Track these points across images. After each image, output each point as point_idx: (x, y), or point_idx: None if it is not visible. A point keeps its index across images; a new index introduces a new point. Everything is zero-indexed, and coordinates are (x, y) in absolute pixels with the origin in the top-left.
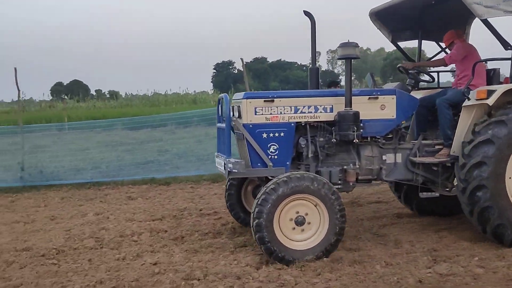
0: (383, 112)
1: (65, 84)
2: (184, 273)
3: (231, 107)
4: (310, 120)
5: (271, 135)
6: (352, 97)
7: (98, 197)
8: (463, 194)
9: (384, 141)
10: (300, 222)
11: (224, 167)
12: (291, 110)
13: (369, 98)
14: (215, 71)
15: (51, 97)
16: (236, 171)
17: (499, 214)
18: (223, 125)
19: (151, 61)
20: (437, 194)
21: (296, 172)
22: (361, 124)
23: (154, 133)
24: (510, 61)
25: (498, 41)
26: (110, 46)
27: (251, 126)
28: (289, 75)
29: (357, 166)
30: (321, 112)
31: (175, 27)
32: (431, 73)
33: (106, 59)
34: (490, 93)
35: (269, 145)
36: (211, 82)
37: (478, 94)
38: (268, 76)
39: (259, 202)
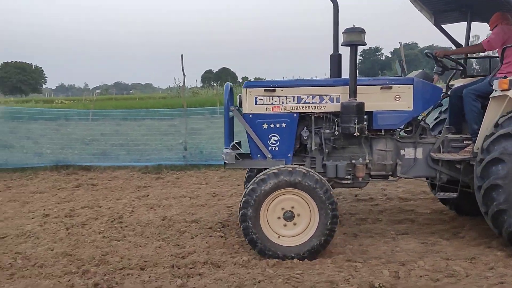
0: (398, 103)
1: (214, 71)
2: (345, 255)
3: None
4: (314, 111)
5: (272, 126)
6: (363, 86)
7: None
8: (478, 192)
9: (404, 134)
10: (288, 217)
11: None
12: (293, 100)
13: (382, 87)
14: (361, 58)
15: (201, 84)
16: (227, 161)
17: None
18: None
19: (297, 49)
20: (454, 195)
21: (288, 166)
22: (373, 116)
23: None
24: None
25: None
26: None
27: (250, 116)
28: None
29: (367, 161)
30: (326, 102)
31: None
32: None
33: (253, 49)
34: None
35: (269, 136)
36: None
37: (500, 84)
38: (419, 63)
39: (247, 192)
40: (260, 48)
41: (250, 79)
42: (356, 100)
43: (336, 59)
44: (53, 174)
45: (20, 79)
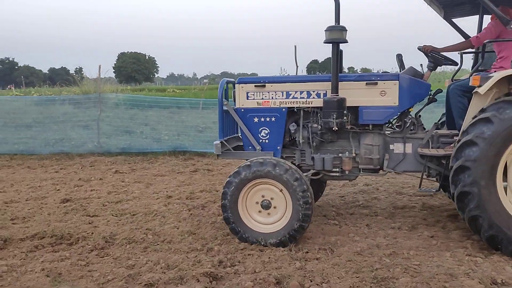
0: (383, 98)
1: (320, 61)
2: (465, 250)
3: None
4: (302, 105)
5: (262, 119)
6: (349, 82)
7: None
8: (449, 173)
9: (393, 129)
10: (265, 206)
11: None
12: (282, 95)
13: (367, 83)
14: None
15: (306, 74)
16: (214, 152)
17: (478, 204)
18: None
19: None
20: (434, 191)
21: (261, 157)
22: (359, 111)
23: None
24: None
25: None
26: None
27: (242, 110)
28: None
29: (354, 155)
30: (313, 97)
31: None
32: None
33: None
34: (484, 80)
35: (260, 129)
36: None
37: (472, 81)
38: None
39: (225, 184)
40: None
41: (356, 70)
42: (337, 95)
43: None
44: (171, 158)
45: (134, 68)
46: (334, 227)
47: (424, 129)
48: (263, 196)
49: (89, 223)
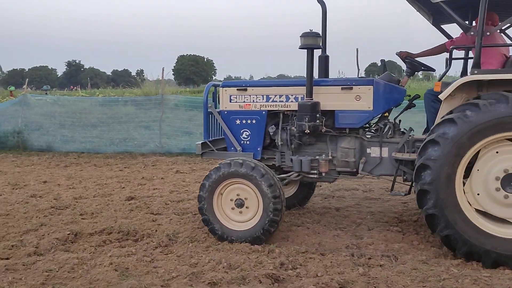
0: (358, 103)
1: (378, 65)
2: None
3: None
4: (281, 109)
5: (244, 121)
6: (325, 87)
7: None
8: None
9: (372, 133)
10: (239, 204)
11: None
12: (263, 99)
13: (343, 88)
14: None
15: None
16: (196, 152)
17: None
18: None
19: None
20: (403, 194)
21: (230, 159)
22: (335, 115)
23: None
24: None
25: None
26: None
27: (226, 112)
28: None
29: (331, 157)
30: (292, 101)
31: None
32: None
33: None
34: (444, 86)
35: (242, 131)
36: None
37: (435, 87)
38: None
39: (204, 177)
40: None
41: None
42: (311, 99)
43: (323, 60)
44: None
45: (193, 70)
46: (397, 234)
47: (403, 133)
48: (237, 195)
49: (153, 220)
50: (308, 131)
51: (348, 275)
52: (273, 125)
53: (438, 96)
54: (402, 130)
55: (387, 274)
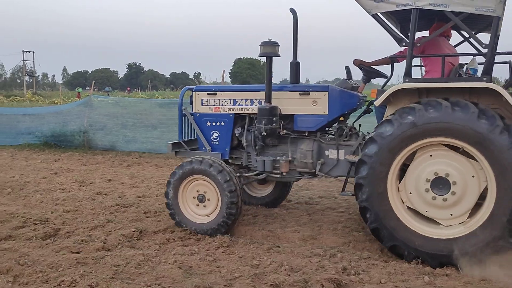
0: (315, 107)
1: None
2: None
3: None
4: (246, 112)
5: (214, 123)
6: (285, 92)
7: None
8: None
9: (331, 136)
10: (201, 199)
11: None
12: (230, 103)
13: (301, 93)
14: None
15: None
16: (167, 151)
17: (368, 196)
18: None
19: None
20: (350, 194)
21: (192, 157)
22: (294, 119)
23: None
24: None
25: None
26: None
27: (198, 115)
28: None
29: (290, 158)
30: (256, 105)
31: None
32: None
33: None
34: (379, 93)
35: (212, 132)
36: None
37: (371, 94)
38: None
39: (166, 185)
40: None
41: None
42: (270, 104)
43: (294, 67)
44: None
45: (249, 73)
46: None
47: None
48: (198, 191)
49: None
50: (265, 134)
51: (412, 283)
52: (240, 127)
53: (374, 103)
54: (360, 133)
55: (454, 284)
